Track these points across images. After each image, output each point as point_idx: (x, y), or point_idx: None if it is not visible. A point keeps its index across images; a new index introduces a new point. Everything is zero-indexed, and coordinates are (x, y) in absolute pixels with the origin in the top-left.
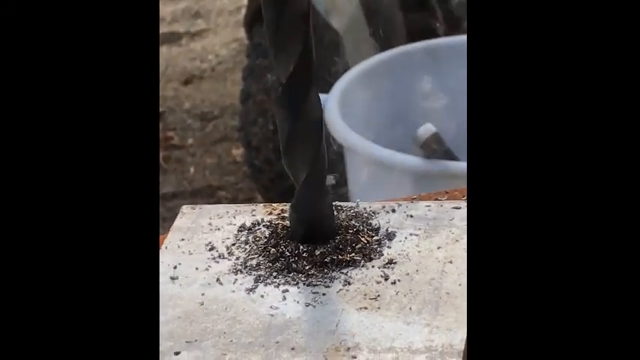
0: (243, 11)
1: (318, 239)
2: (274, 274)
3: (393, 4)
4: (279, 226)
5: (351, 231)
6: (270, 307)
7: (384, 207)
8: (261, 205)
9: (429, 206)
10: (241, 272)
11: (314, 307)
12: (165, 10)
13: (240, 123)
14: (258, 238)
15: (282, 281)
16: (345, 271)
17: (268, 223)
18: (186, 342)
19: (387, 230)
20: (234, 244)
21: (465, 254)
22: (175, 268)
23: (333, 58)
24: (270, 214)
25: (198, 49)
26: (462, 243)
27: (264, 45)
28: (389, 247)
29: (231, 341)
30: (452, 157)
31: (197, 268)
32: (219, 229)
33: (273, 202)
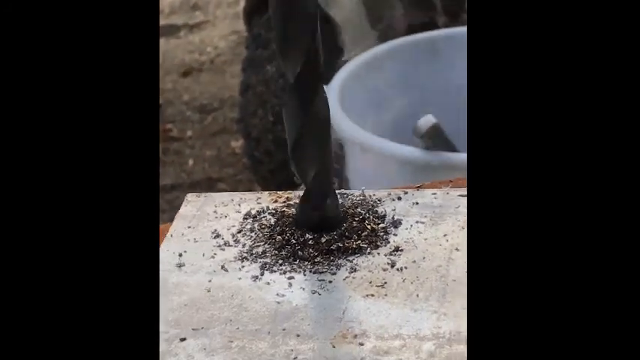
0: (242, 3)
1: (324, 227)
2: (280, 261)
3: None
4: (285, 214)
5: (357, 218)
6: (277, 294)
7: (389, 194)
8: (266, 193)
9: (434, 194)
10: (247, 260)
11: (320, 294)
12: (163, 2)
13: (239, 114)
14: (263, 226)
15: (289, 269)
16: (351, 258)
17: (274, 211)
18: (193, 329)
19: (393, 218)
20: (239, 232)
21: None
22: (181, 255)
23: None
24: (276, 201)
25: (197, 41)
26: None
27: (263, 36)
28: (395, 235)
29: (238, 328)
30: (452, 148)
31: (203, 256)
32: (224, 216)
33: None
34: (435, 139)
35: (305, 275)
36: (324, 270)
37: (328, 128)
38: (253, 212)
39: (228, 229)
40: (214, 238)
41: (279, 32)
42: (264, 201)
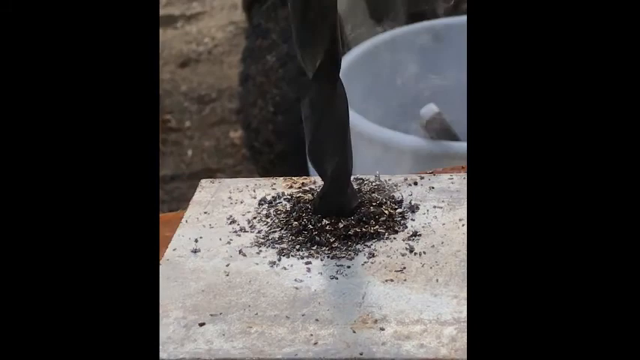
0: None
1: (341, 214)
2: (297, 247)
3: None
4: (301, 200)
5: (374, 204)
6: (295, 279)
7: (405, 180)
8: (281, 178)
9: (451, 178)
10: (264, 245)
11: (338, 279)
12: None
13: (239, 105)
14: (279, 212)
15: (306, 254)
16: (369, 243)
17: (289, 197)
18: (211, 315)
19: (410, 203)
20: (255, 218)
21: None
22: (197, 241)
23: None
24: (291, 187)
25: (194, 31)
26: None
27: (263, 26)
28: (412, 220)
29: (257, 314)
30: (454, 137)
31: (219, 242)
32: (239, 202)
33: None
34: (438, 128)
35: (322, 261)
36: (342, 255)
37: (347, 122)
38: (268, 198)
39: (244, 215)
40: (230, 224)
41: (298, 26)
42: (279, 187)
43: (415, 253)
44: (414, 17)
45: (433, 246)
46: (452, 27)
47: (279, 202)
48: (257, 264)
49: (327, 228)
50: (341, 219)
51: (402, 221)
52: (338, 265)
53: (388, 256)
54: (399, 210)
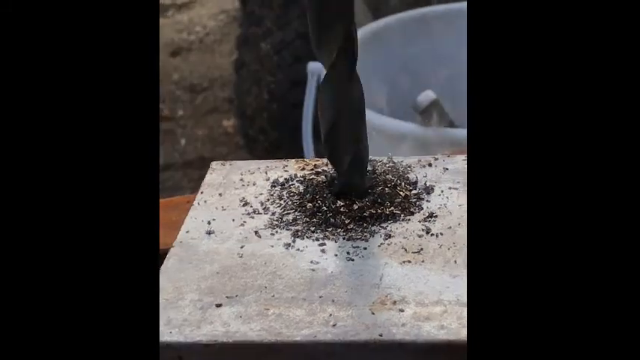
0: None
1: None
2: (312, 228)
3: None
4: (314, 181)
5: (388, 185)
6: (311, 261)
7: (419, 161)
8: (293, 160)
9: (465, 160)
10: (278, 227)
11: (355, 261)
12: None
13: (233, 93)
14: (292, 194)
15: (321, 236)
16: (384, 225)
17: (302, 179)
18: (227, 297)
19: (425, 184)
20: (268, 200)
21: None
22: (209, 223)
23: None
24: (303, 169)
25: (185, 20)
26: None
27: (257, 13)
28: (428, 201)
29: (273, 296)
30: (450, 124)
31: (232, 224)
32: (251, 184)
33: None
34: (435, 115)
35: (338, 242)
36: (358, 237)
37: (363, 116)
38: (281, 180)
39: (256, 197)
40: (243, 206)
41: (314, 20)
42: (291, 168)
43: (432, 235)
44: (408, 4)
45: (450, 227)
46: (446, 14)
47: (292, 184)
48: (272, 246)
49: (341, 210)
50: (355, 200)
51: (418, 202)
52: (354, 247)
53: (405, 238)
54: (414, 191)
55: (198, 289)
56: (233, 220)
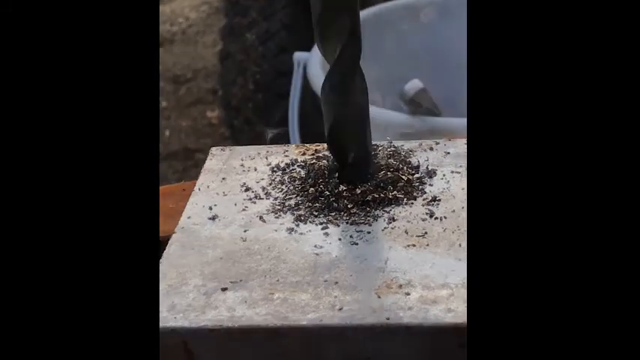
0: None
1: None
2: (315, 213)
3: None
4: (315, 166)
5: (391, 169)
6: (315, 246)
7: (420, 145)
8: (294, 145)
9: (467, 143)
10: (281, 212)
11: (359, 245)
12: None
13: (218, 83)
14: (293, 179)
15: (324, 220)
16: (388, 209)
17: (303, 164)
18: (231, 282)
19: (427, 168)
20: (269, 185)
21: None
22: (211, 209)
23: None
24: (304, 154)
25: (168, 12)
26: None
27: (241, 3)
28: (431, 185)
29: (278, 280)
30: (437, 113)
31: (234, 209)
32: (252, 169)
33: None
34: (422, 104)
35: (342, 227)
36: (361, 221)
37: (367, 110)
38: (282, 165)
39: (258, 182)
40: (244, 191)
41: (318, 15)
42: (291, 154)
43: (436, 218)
44: None
45: (454, 211)
46: (432, 3)
47: (293, 169)
48: (275, 231)
49: (344, 194)
50: (358, 185)
51: (420, 186)
52: (358, 231)
53: (408, 222)
54: (416, 175)
55: (202, 275)
56: (235, 205)
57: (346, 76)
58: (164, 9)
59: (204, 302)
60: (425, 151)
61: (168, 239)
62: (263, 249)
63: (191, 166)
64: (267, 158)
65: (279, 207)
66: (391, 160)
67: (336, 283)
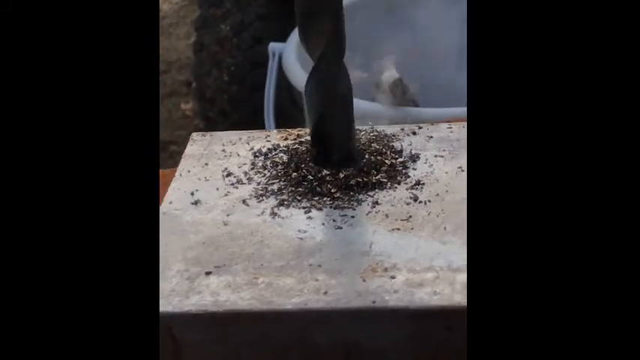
0: None
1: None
2: (298, 197)
3: None
4: (298, 151)
5: (374, 153)
6: (298, 230)
7: (402, 129)
8: (275, 130)
9: (450, 128)
10: (263, 197)
11: (343, 229)
12: None
13: (192, 75)
14: (276, 163)
15: (307, 205)
16: (371, 193)
17: (285, 149)
18: (215, 267)
19: (410, 152)
20: (252, 170)
21: None
22: (193, 194)
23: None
24: (286, 139)
25: None
26: None
27: None
28: (414, 169)
29: (262, 265)
30: (414, 103)
31: (216, 194)
32: (234, 154)
33: None
34: (399, 94)
35: (325, 211)
36: (345, 205)
37: (351, 107)
38: (264, 150)
39: (239, 167)
40: (226, 176)
41: (302, 13)
42: (273, 139)
43: (420, 202)
44: None
45: (438, 194)
46: None
47: (276, 154)
48: (258, 215)
49: (327, 179)
50: (341, 169)
51: (404, 170)
52: (342, 215)
53: (392, 205)
54: (399, 159)
55: (184, 259)
56: (217, 190)
57: (330, 72)
58: None
59: (188, 287)
60: (408, 135)
61: None
62: (246, 233)
63: (166, 158)
64: (248, 143)
65: (261, 192)
66: (374, 145)
67: (321, 267)
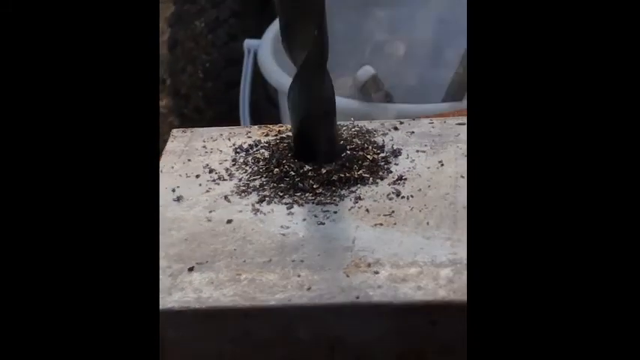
0: None
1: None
2: (280, 193)
3: None
4: (280, 147)
5: (356, 149)
6: (281, 226)
7: (383, 124)
8: (256, 126)
9: (431, 123)
10: (245, 193)
11: (326, 224)
12: None
13: (167, 72)
14: (257, 160)
15: (290, 201)
16: (353, 189)
17: (266, 145)
18: (197, 263)
19: (392, 147)
20: (233, 166)
21: None
22: (174, 191)
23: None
24: (267, 135)
25: None
26: None
27: None
28: (396, 164)
29: (244, 261)
30: (390, 99)
31: (198, 190)
32: (215, 151)
33: None
34: (374, 90)
35: (307, 207)
36: (327, 201)
37: (334, 114)
38: (245, 146)
39: (221, 164)
40: (208, 172)
41: (284, 20)
42: (254, 135)
43: (403, 197)
44: None
45: (420, 189)
46: None
47: (257, 150)
48: (240, 211)
49: (309, 174)
50: (323, 165)
51: (386, 166)
52: (324, 211)
53: (375, 201)
54: (381, 155)
55: (167, 256)
56: (198, 187)
57: (313, 79)
58: None
59: (170, 284)
60: (389, 130)
61: None
62: (228, 230)
63: None
64: (229, 139)
65: (243, 188)
66: (356, 140)
67: (304, 263)
